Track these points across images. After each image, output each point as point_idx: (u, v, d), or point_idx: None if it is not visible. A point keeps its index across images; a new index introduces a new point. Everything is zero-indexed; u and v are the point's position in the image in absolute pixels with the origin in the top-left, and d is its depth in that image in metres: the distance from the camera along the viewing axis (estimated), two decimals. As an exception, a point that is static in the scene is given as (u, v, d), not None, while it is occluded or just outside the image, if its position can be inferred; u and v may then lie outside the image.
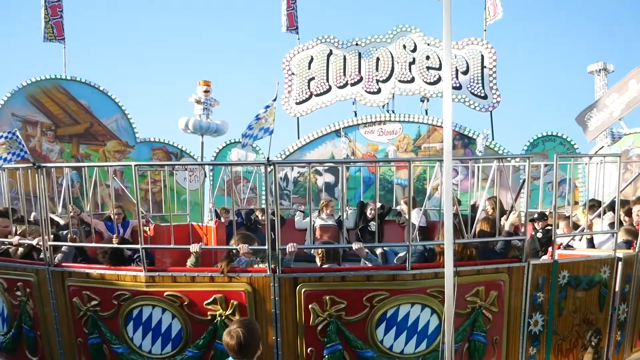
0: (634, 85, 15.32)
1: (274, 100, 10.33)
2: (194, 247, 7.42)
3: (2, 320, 8.80)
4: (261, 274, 7.16)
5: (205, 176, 16.15)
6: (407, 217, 11.38)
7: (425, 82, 16.26)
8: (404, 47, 16.45)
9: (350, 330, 7.12)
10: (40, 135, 15.81)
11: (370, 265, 7.59)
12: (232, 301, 7.18)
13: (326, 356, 7.12)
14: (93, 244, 8.21)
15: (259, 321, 7.01)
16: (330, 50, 16.84)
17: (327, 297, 7.05)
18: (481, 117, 15.45)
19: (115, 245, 7.73)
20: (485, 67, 16.38)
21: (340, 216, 12.03)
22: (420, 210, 10.84)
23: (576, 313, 8.14)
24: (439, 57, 16.27)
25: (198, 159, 16.86)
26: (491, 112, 16.35)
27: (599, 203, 9.22)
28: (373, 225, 11.74)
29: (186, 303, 7.11)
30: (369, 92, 16.53)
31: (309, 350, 7.23)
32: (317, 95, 16.84)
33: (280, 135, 15.96)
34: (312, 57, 16.95)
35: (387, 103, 16.72)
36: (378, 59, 16.58)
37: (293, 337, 7.29)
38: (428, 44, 16.42)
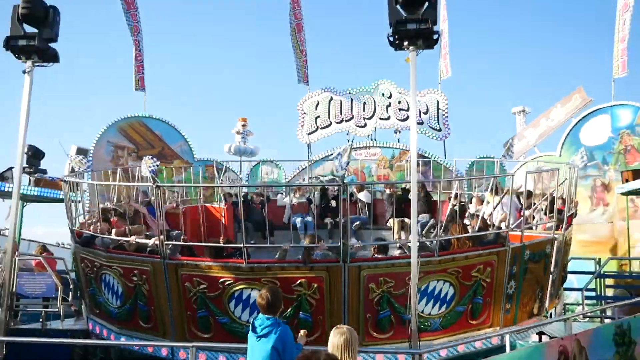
0: (544, 122, 19.61)
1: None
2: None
3: (117, 297, 9.93)
4: (334, 263, 8.63)
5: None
6: (359, 197, 13.92)
7: (398, 120, 18.91)
8: (383, 94, 19.09)
9: (396, 301, 8.72)
10: (126, 156, 18.30)
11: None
12: (313, 284, 8.55)
13: (380, 320, 8.78)
14: (200, 243, 9.87)
15: (332, 297, 8.52)
16: (331, 97, 19.35)
17: (381, 278, 8.64)
18: (437, 144, 18.84)
19: (220, 245, 9.35)
20: (440, 109, 18.93)
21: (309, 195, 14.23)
22: (369, 192, 13.70)
23: (532, 278, 10.04)
24: (407, 102, 18.50)
25: (237, 172, 19.09)
26: (444, 140, 18.92)
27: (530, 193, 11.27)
28: (333, 203, 13.81)
29: (278, 286, 8.10)
30: (358, 126, 19.17)
31: (367, 315, 8.77)
32: (321, 128, 19.34)
33: (296, 156, 19.47)
34: (318, 101, 19.41)
35: (371, 134, 19.24)
36: (365, 102, 19.15)
37: (356, 307, 8.70)
38: (400, 93, 18.98)
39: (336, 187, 12.97)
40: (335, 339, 4.86)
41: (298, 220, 13.28)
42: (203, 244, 9.86)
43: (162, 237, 8.86)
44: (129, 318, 9.82)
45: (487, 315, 9.49)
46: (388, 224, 13.69)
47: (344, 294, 8.56)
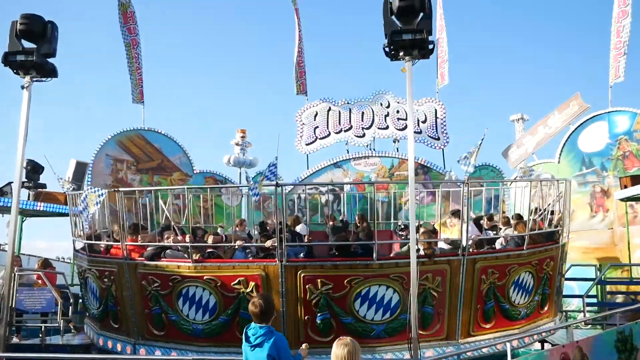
0: (542, 129, 19.51)
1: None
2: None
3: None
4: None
5: (243, 196, 17.65)
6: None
7: (397, 129, 18.92)
8: (381, 104, 19.13)
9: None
10: (126, 169, 18.33)
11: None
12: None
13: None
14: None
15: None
16: (330, 107, 19.39)
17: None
18: (436, 153, 18.81)
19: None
20: (438, 117, 18.95)
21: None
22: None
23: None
24: (405, 112, 18.67)
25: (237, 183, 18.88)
26: (443, 149, 18.87)
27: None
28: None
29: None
30: (357, 136, 19.17)
31: (305, 317, 8.84)
32: (320, 138, 19.33)
33: (295, 167, 19.44)
34: (316, 112, 19.48)
35: (370, 143, 19.21)
36: (363, 113, 19.18)
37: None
38: (398, 102, 19.02)
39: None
40: (339, 350, 4.89)
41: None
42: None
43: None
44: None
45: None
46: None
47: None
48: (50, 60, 8.83)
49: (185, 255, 9.50)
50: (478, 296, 9.22)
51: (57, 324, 11.96)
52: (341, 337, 5.04)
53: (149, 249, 9.67)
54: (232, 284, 8.87)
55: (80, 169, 17.26)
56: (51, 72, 8.80)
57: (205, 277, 8.95)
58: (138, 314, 9.64)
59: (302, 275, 8.80)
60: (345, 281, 8.73)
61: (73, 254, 12.81)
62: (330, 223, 14.03)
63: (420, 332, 8.55)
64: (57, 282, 13.39)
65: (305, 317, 8.91)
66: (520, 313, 9.69)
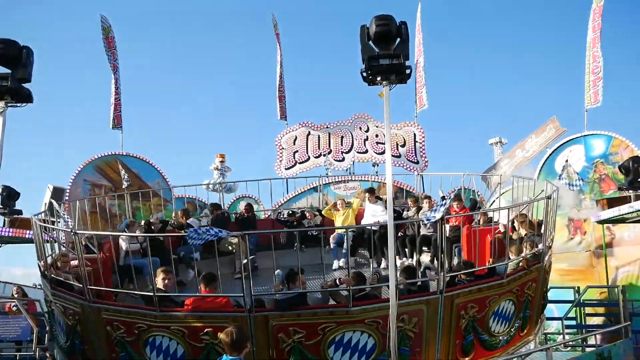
0: (520, 153, 19.95)
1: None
2: None
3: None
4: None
5: None
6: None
7: (376, 153, 19.14)
8: (360, 128, 19.38)
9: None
10: (104, 194, 17.74)
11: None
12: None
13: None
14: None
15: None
16: (309, 132, 19.54)
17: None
18: (415, 177, 19.15)
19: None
20: (417, 141, 19.17)
21: None
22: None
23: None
24: (384, 135, 17.72)
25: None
26: (422, 173, 18.67)
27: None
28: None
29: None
30: (337, 160, 19.35)
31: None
32: (300, 163, 19.44)
33: (275, 192, 19.43)
34: (296, 136, 19.61)
35: (349, 167, 19.42)
36: (342, 137, 19.40)
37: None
38: (377, 126, 19.24)
39: None
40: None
41: None
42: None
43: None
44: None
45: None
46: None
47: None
48: (26, 85, 8.71)
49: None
50: (457, 331, 9.00)
51: (33, 353, 11.72)
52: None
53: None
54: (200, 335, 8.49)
55: (57, 195, 17.02)
56: (26, 97, 8.67)
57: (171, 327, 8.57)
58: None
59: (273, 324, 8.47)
60: (319, 328, 8.39)
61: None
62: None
63: None
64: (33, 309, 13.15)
65: None
66: (499, 341, 9.54)
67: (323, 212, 14.15)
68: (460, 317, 8.85)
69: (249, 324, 8.20)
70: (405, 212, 14.16)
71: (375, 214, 13.31)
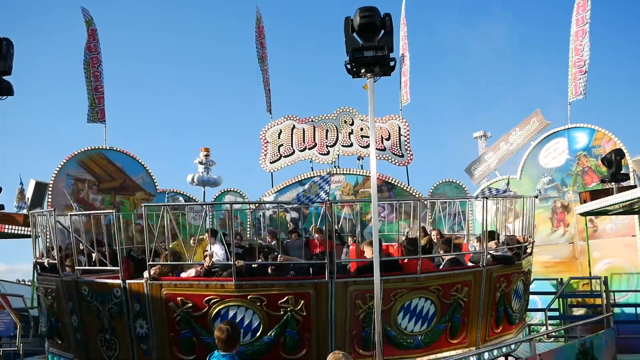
0: (504, 146, 19.96)
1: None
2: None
3: None
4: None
5: (207, 216, 15.70)
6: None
7: (361, 146, 19.17)
8: (345, 122, 19.40)
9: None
10: (87, 189, 17.90)
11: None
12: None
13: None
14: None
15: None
16: (294, 125, 19.54)
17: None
18: (400, 170, 19.10)
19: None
20: (401, 135, 19.28)
21: None
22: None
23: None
24: (369, 129, 17.96)
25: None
26: (407, 166, 19.26)
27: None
28: None
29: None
30: (321, 154, 19.37)
31: (353, 332, 8.85)
32: (284, 156, 19.43)
33: (259, 186, 19.53)
34: (281, 130, 19.58)
35: (334, 161, 19.40)
36: (327, 130, 19.40)
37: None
38: (362, 120, 19.26)
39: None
40: None
41: None
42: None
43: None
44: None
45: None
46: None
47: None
48: (6, 78, 8.65)
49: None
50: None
51: (17, 348, 11.65)
52: (335, 352, 5.05)
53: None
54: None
55: (40, 190, 16.90)
56: (7, 90, 8.64)
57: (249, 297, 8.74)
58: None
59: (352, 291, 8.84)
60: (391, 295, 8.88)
61: (34, 276, 12.38)
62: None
63: (451, 340, 9.35)
64: (16, 305, 13.07)
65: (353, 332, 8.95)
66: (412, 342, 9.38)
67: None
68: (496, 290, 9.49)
69: (329, 289, 8.54)
70: None
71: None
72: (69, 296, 9.71)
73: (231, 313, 8.58)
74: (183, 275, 9.25)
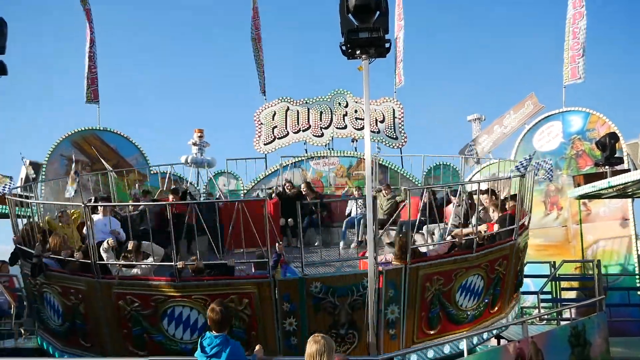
0: (498, 129, 20.07)
1: None
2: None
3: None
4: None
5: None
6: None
7: (355, 128, 19.10)
8: (339, 104, 19.27)
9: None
10: (81, 170, 17.10)
11: None
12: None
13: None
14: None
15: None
16: (288, 107, 19.44)
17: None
18: (394, 152, 19.07)
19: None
20: (395, 117, 19.18)
21: None
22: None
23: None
24: (363, 111, 17.95)
25: (195, 185, 18.38)
26: (401, 148, 19.17)
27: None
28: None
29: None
30: (316, 136, 19.33)
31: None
32: (279, 138, 19.35)
33: (254, 167, 19.40)
34: (275, 111, 19.49)
35: (328, 143, 19.37)
36: (321, 112, 19.32)
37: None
38: (356, 102, 19.11)
39: None
40: (310, 347, 4.86)
41: None
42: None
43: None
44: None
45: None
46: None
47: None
48: (-1, 57, 8.58)
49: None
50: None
51: (11, 328, 11.63)
52: (315, 335, 4.99)
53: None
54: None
55: (34, 170, 16.80)
56: (0, 69, 8.56)
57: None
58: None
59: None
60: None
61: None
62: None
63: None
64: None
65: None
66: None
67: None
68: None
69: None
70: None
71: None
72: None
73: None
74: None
